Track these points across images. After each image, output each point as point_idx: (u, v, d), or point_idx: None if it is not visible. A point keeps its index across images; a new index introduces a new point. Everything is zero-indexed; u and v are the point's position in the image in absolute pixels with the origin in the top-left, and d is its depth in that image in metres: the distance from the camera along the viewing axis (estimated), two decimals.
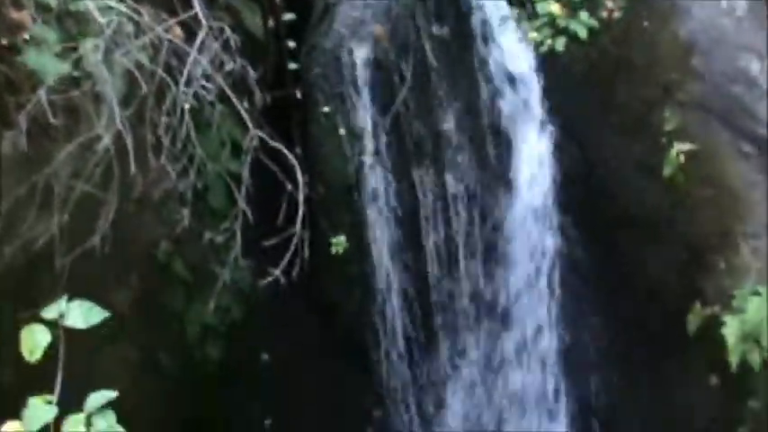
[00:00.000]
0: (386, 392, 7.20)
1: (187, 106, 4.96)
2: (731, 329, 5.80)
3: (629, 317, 6.27)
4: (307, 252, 5.02)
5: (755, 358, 5.79)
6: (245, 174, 5.19)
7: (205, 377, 6.07)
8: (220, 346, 6.06)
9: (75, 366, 2.45)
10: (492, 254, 6.97)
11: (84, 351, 2.77)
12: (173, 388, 5.73)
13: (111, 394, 2.33)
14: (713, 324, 5.83)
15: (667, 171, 5.93)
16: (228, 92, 5.10)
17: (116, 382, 2.54)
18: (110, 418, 2.32)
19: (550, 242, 6.72)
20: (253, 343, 6.41)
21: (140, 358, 5.62)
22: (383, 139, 6.92)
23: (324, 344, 6.91)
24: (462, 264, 7.08)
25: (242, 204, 5.12)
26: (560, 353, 6.73)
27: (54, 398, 2.34)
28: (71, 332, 2.39)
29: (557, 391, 6.84)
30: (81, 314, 2.41)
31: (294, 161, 5.13)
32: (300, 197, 4.96)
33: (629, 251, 6.22)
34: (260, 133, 5.18)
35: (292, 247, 4.93)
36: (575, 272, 6.57)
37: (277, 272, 4.96)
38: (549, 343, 6.73)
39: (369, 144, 6.94)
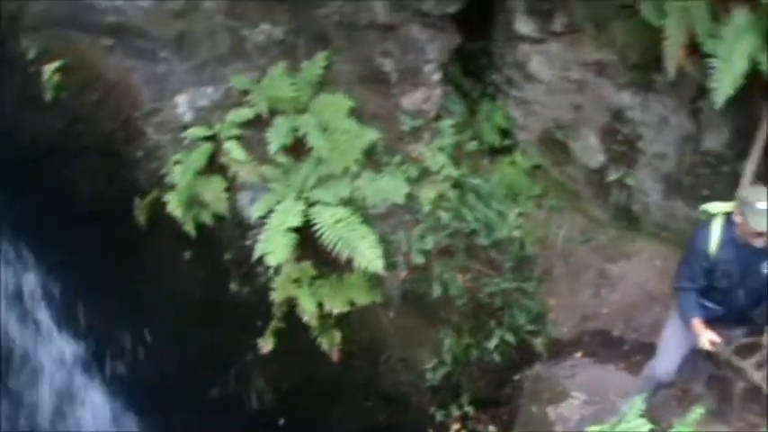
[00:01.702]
0: None
1: None
2: (174, 204, 6.14)
3: (87, 239, 6.30)
4: None
5: (206, 217, 6.22)
6: None
7: None
8: None
9: None
10: None
11: None
12: None
13: None
14: (158, 206, 6.11)
15: (49, 95, 6.04)
16: None
17: None
18: None
19: None
20: None
21: None
22: None
23: None
24: None
25: None
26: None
27: None
28: None
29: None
30: None
31: None
32: None
33: (52, 183, 6.21)
34: None
35: None
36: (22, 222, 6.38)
37: None
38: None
39: None
